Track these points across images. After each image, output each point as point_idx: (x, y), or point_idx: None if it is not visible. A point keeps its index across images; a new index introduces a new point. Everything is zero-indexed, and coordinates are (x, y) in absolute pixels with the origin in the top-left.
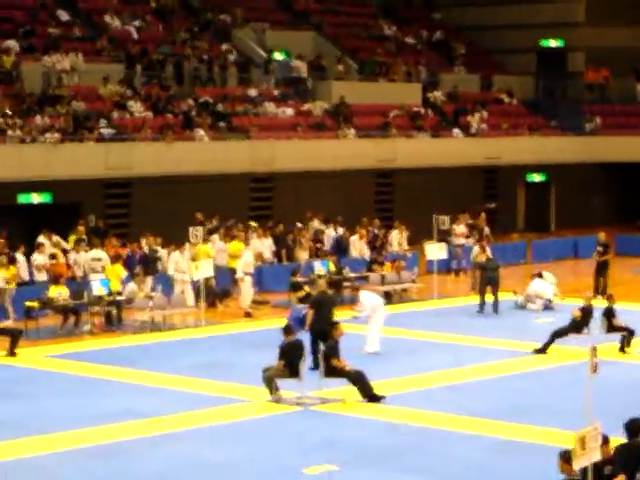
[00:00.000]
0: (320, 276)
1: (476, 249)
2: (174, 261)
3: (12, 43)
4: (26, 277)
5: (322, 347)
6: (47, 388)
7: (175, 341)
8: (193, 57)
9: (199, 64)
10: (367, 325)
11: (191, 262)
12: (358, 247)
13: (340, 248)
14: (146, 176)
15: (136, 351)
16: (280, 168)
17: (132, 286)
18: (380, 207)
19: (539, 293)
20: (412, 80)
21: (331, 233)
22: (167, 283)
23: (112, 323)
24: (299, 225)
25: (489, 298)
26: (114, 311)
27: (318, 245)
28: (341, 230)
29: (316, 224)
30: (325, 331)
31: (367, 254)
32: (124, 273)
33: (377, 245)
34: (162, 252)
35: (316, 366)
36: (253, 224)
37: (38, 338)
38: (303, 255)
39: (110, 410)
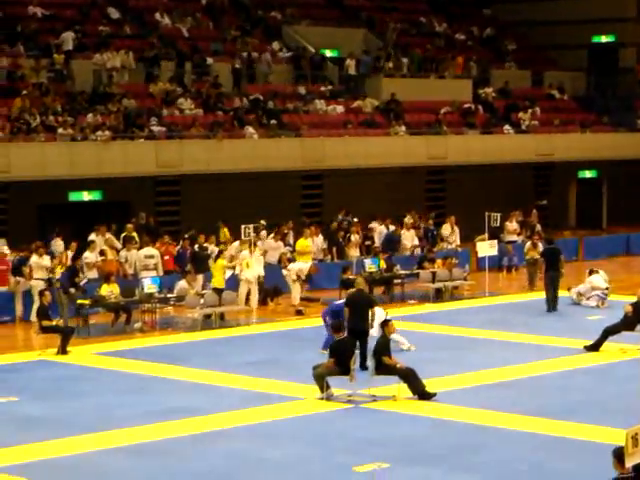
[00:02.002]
0: (366, 273)
1: (528, 245)
2: (242, 259)
3: (68, 35)
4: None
5: (360, 346)
6: (98, 386)
7: (226, 339)
8: (243, 54)
9: (249, 61)
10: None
11: (248, 259)
12: (409, 237)
13: (391, 245)
14: (196, 174)
15: (187, 349)
16: (330, 165)
17: (183, 284)
18: (431, 204)
19: (595, 285)
20: (463, 76)
21: (382, 230)
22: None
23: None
24: (355, 220)
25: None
26: (169, 309)
27: (368, 242)
28: (392, 227)
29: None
30: (362, 330)
31: (416, 242)
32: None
33: (428, 240)
34: (213, 249)
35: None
36: (262, 223)
37: (89, 336)
38: (354, 252)
39: (162, 408)
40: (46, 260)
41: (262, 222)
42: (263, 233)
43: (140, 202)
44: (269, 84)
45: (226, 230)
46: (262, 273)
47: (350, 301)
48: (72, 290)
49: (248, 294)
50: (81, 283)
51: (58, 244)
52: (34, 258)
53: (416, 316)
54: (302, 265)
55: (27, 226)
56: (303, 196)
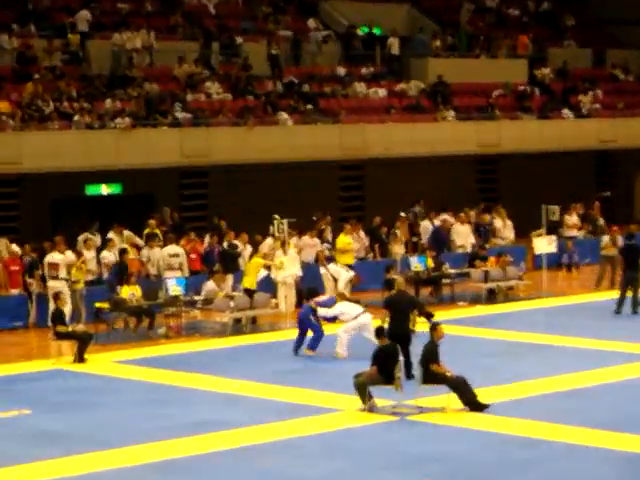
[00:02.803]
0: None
1: (606, 240)
2: (278, 260)
3: (84, 13)
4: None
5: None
6: (119, 397)
7: (258, 345)
8: (276, 33)
9: (283, 41)
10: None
11: (281, 258)
12: (463, 233)
13: (439, 241)
14: (225, 164)
15: (216, 356)
16: (372, 154)
17: (211, 285)
18: (483, 197)
19: None
20: (517, 56)
21: (427, 225)
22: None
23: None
24: (402, 215)
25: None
26: (196, 313)
27: (415, 239)
28: (437, 222)
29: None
30: (403, 335)
31: (472, 239)
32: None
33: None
34: (245, 248)
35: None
36: (277, 217)
37: (108, 342)
38: (398, 250)
39: (189, 421)
40: (69, 256)
41: (276, 217)
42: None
43: (163, 196)
44: (304, 66)
45: (223, 223)
46: (299, 273)
47: (390, 303)
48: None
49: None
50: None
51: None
52: (51, 256)
53: (467, 319)
54: (343, 272)
55: (39, 223)
56: (342, 188)
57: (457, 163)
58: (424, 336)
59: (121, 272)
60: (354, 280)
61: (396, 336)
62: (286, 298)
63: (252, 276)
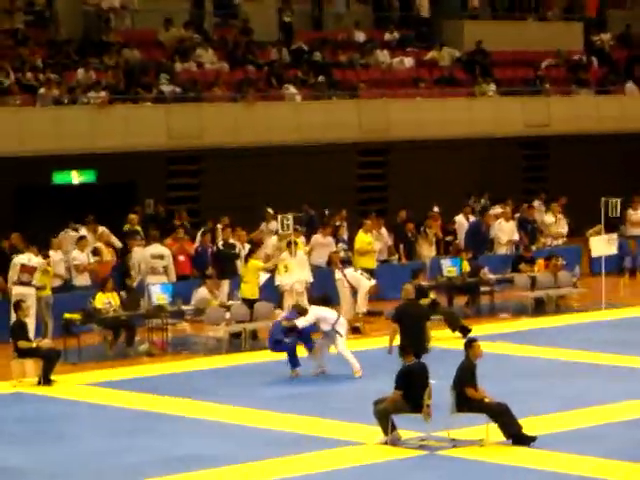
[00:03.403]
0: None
1: None
2: (283, 263)
3: None
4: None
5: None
6: (91, 427)
7: (259, 365)
8: None
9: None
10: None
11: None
12: (507, 230)
13: (477, 240)
14: (220, 147)
15: (209, 378)
16: (396, 136)
17: (203, 292)
18: (528, 187)
19: None
20: (572, 19)
21: (462, 222)
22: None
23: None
24: (436, 210)
25: None
26: (185, 326)
27: (448, 238)
28: (472, 217)
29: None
30: (415, 353)
31: (516, 236)
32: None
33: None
34: (244, 248)
35: None
36: (270, 211)
37: (80, 361)
38: (428, 251)
39: (174, 455)
40: (34, 260)
41: (269, 210)
42: (273, 225)
43: (146, 185)
44: (315, 30)
45: (224, 221)
46: (309, 278)
47: (399, 316)
48: (122, 294)
49: None
50: (134, 284)
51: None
52: (26, 258)
53: (510, 335)
54: (363, 280)
55: (1, 215)
56: (360, 177)
57: (498, 147)
58: (448, 355)
59: (124, 274)
60: (373, 290)
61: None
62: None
63: (252, 283)
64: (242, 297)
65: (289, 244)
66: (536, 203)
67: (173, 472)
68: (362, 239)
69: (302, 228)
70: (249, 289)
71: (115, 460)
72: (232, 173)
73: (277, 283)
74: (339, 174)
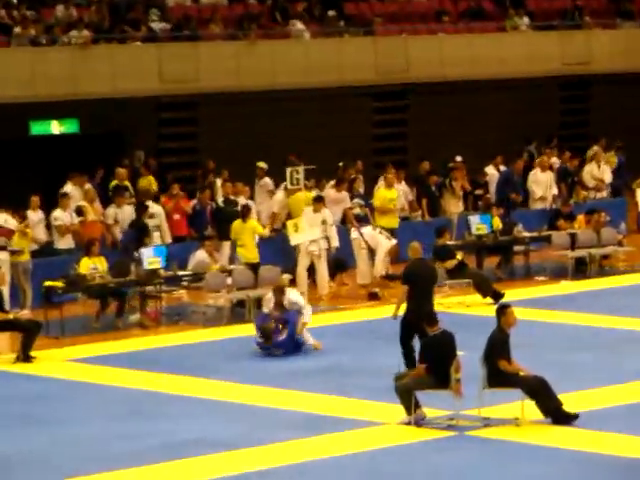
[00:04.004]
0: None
1: None
2: (292, 221)
3: None
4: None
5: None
6: (77, 409)
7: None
8: None
9: None
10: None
11: (290, 221)
12: (544, 183)
13: (509, 194)
14: (219, 92)
15: (209, 353)
16: (417, 77)
17: (201, 256)
18: (568, 133)
19: None
20: None
21: (493, 173)
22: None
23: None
24: (459, 159)
25: None
26: (181, 293)
27: (477, 191)
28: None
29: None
30: (425, 320)
31: (555, 190)
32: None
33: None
34: (248, 202)
35: (408, 366)
36: (262, 165)
37: (63, 335)
38: (454, 207)
39: (176, 440)
40: (10, 222)
41: (260, 164)
42: (266, 180)
43: (136, 136)
44: None
45: (152, 180)
46: (334, 242)
47: (409, 276)
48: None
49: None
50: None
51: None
52: (2, 219)
53: (547, 300)
54: (382, 240)
55: None
56: (377, 124)
57: (533, 88)
58: (477, 323)
59: (141, 235)
60: (393, 251)
61: (413, 322)
62: (317, 275)
63: (249, 245)
64: (245, 261)
65: (318, 199)
66: (595, 149)
67: (176, 457)
68: (383, 195)
69: (308, 182)
70: (247, 252)
71: (106, 447)
72: (232, 121)
73: (294, 244)
74: (353, 121)
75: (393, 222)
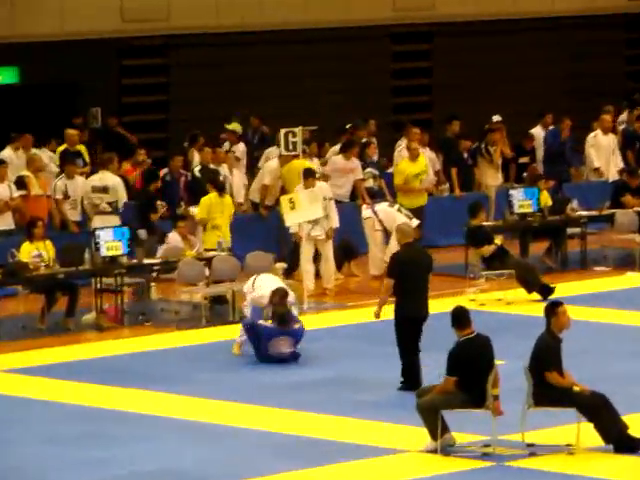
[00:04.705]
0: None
1: None
2: (287, 196)
3: None
4: None
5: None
6: (15, 432)
7: None
8: None
9: None
10: None
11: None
12: (605, 148)
13: (561, 163)
14: (194, 33)
15: (182, 361)
16: (445, 15)
17: (174, 239)
18: (636, 85)
19: None
20: None
21: (540, 133)
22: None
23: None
24: (497, 119)
25: None
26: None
27: (522, 159)
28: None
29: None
30: (419, 316)
31: (620, 162)
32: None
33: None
34: (232, 174)
35: (408, 382)
36: (234, 128)
37: None
38: (492, 179)
39: (137, 471)
40: None
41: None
42: (240, 147)
43: (91, 88)
44: None
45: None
46: (334, 223)
47: (398, 266)
48: (142, 233)
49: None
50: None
51: None
52: None
53: (608, 295)
54: (397, 217)
55: None
56: (395, 73)
57: (591, 28)
58: (520, 325)
59: (148, 207)
60: (415, 234)
61: (409, 319)
62: (322, 263)
63: (226, 228)
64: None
65: (308, 174)
66: None
67: None
68: (406, 170)
69: (308, 147)
70: (217, 237)
71: (46, 475)
72: (211, 70)
73: (291, 230)
74: (365, 69)
75: (419, 199)
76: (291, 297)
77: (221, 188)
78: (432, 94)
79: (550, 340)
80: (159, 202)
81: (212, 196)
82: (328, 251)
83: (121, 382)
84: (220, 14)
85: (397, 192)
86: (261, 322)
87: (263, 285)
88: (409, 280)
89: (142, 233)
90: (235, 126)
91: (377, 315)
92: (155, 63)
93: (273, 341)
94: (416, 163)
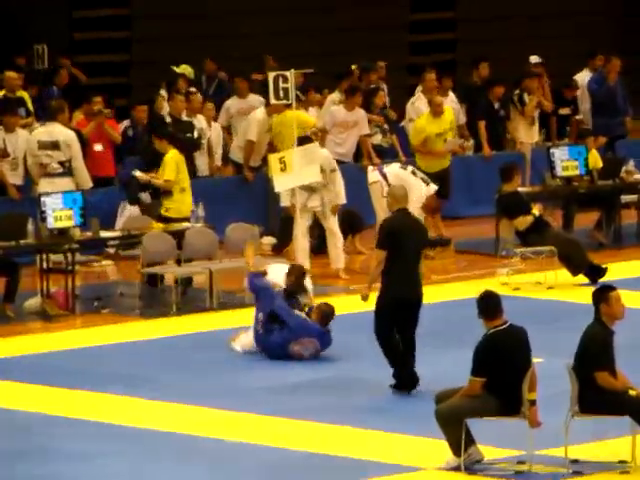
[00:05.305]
0: None
1: None
2: (275, 156)
3: None
4: None
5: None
6: None
7: (227, 332)
8: None
9: None
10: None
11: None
12: None
13: (610, 114)
14: None
15: (146, 357)
16: None
17: (137, 209)
18: None
19: None
20: None
21: (585, 77)
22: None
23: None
24: (536, 60)
25: None
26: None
27: (563, 111)
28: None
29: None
30: (411, 300)
31: None
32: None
33: None
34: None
35: (400, 382)
36: (185, 70)
37: None
38: (528, 135)
39: None
40: None
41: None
42: (232, 103)
43: (36, 21)
44: None
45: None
46: (341, 200)
47: (390, 236)
48: (145, 197)
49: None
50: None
51: None
52: None
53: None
54: (413, 182)
55: None
56: (414, 6)
57: None
58: (564, 313)
59: (154, 160)
60: (431, 202)
61: (398, 303)
62: (329, 242)
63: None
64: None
65: (304, 141)
66: None
67: None
68: (425, 128)
69: (304, 95)
70: (184, 204)
71: None
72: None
73: (282, 203)
74: (376, 1)
75: (441, 161)
76: (307, 282)
77: (195, 145)
78: (455, 30)
79: (600, 333)
80: None
81: (175, 153)
82: (332, 223)
83: (70, 383)
84: None
85: (415, 153)
86: (296, 311)
87: (273, 272)
88: (401, 255)
89: (145, 197)
90: (185, 69)
91: (365, 297)
92: None
93: (303, 339)
94: (439, 120)
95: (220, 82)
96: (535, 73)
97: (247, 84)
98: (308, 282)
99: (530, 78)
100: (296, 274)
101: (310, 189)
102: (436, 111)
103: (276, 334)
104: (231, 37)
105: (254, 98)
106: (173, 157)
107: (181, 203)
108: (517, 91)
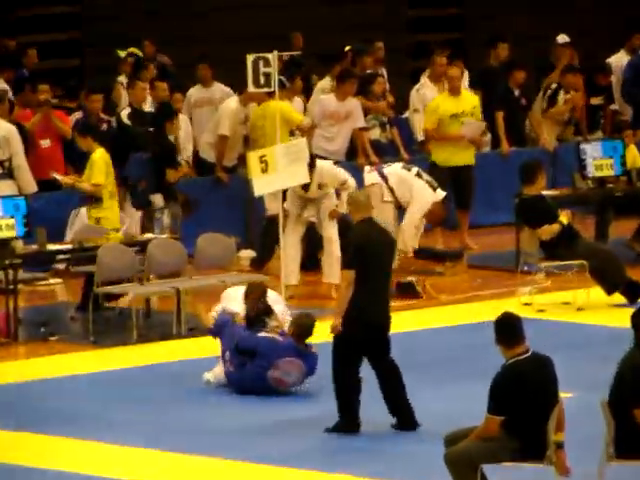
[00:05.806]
0: None
1: None
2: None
3: None
4: None
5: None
6: None
7: (197, 363)
8: None
9: None
10: None
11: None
12: None
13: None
14: None
15: (97, 393)
16: None
17: (83, 217)
18: None
19: None
20: None
21: (621, 60)
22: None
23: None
24: (563, 40)
25: None
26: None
27: (596, 101)
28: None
29: None
30: (381, 324)
31: None
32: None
33: None
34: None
35: (395, 417)
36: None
37: None
38: (552, 130)
39: None
40: None
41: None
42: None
43: None
44: None
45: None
46: (305, 178)
47: (356, 254)
48: (158, 199)
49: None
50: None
51: None
52: None
53: None
54: (415, 185)
55: None
56: None
57: None
58: (596, 338)
59: (167, 155)
60: (436, 211)
61: (371, 327)
62: (324, 255)
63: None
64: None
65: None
66: None
67: None
68: (439, 105)
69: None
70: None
71: None
72: None
73: (268, 213)
74: None
75: (462, 155)
76: (273, 295)
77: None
78: (464, 6)
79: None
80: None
81: (102, 152)
82: (332, 231)
83: (7, 424)
84: None
85: (427, 143)
86: (263, 333)
87: (229, 299)
88: (370, 273)
89: (157, 199)
90: (134, 52)
91: (336, 329)
92: None
93: (279, 363)
94: (457, 100)
95: (162, 67)
96: (578, 68)
97: (211, 71)
98: (279, 300)
99: (574, 73)
100: (255, 294)
101: (306, 199)
102: (453, 87)
103: (248, 367)
104: (199, 14)
105: (218, 88)
106: (102, 156)
107: (111, 211)
108: (553, 84)
